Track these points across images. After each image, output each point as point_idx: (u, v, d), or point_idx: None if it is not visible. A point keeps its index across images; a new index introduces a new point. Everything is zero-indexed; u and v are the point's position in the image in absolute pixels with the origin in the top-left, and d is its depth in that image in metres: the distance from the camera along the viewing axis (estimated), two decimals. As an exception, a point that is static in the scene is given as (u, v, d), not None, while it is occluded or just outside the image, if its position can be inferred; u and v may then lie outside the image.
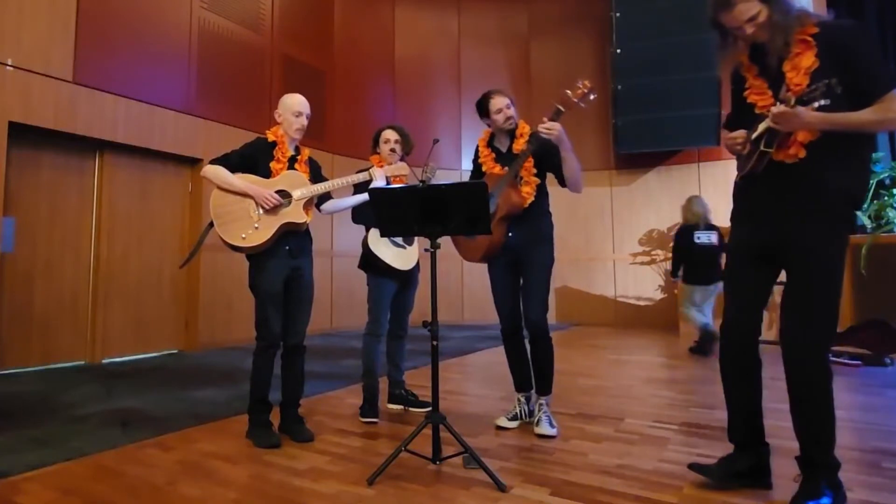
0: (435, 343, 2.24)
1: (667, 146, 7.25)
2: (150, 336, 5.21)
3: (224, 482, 2.11)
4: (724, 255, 4.95)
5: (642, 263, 7.64)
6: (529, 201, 2.72)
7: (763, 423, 2.00)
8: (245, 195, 2.57)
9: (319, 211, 2.83)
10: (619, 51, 7.22)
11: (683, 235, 5.28)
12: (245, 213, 2.57)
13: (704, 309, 5.15)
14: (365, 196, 2.81)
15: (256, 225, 2.56)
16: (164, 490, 2.04)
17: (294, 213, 2.61)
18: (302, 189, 2.65)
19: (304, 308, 2.70)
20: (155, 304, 5.27)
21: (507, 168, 2.74)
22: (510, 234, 2.73)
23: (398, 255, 2.99)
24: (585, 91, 2.57)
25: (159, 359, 5.04)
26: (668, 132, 7.02)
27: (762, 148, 1.81)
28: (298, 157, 2.76)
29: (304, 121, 2.72)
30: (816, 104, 1.64)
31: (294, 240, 2.65)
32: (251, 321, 2.65)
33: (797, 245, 1.81)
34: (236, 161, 2.65)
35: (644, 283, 7.60)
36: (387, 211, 2.30)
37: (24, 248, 4.41)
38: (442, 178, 2.66)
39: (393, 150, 3.09)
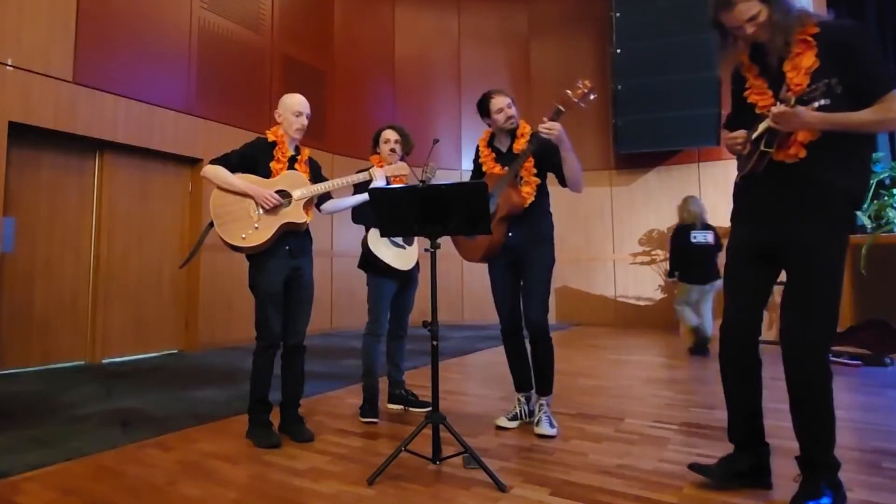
0: (435, 343, 2.24)
1: (667, 146, 7.25)
2: (150, 336, 5.21)
3: (224, 482, 2.11)
4: (720, 255, 5.01)
5: (642, 263, 7.64)
6: (530, 201, 2.72)
7: (763, 423, 2.00)
8: (245, 195, 2.57)
9: (319, 211, 2.83)
10: (619, 51, 7.22)
11: (680, 235, 5.31)
12: (245, 213, 2.57)
13: (703, 308, 5.16)
14: (364, 196, 2.81)
15: (256, 225, 2.56)
16: (164, 490, 2.04)
17: (294, 213, 2.61)
18: (302, 189, 2.65)
19: (304, 308, 2.70)
20: (155, 304, 5.27)
21: (507, 168, 2.74)
22: (510, 234, 2.73)
23: (398, 255, 2.99)
24: (586, 91, 2.57)
25: (159, 359, 5.04)
26: (668, 132, 7.02)
27: (762, 148, 1.81)
28: (298, 157, 2.76)
29: (304, 121, 2.72)
30: (816, 104, 1.64)
31: (294, 240, 2.65)
32: (251, 321, 2.65)
33: (797, 245, 1.81)
34: (236, 161, 2.65)
35: (644, 283, 7.60)
36: (387, 211, 2.30)
37: (24, 248, 4.41)
38: (442, 178, 2.66)
39: (393, 150, 3.09)
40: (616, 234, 7.87)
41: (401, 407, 3.13)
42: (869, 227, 5.51)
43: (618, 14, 7.23)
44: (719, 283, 5.03)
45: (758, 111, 1.89)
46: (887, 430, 2.72)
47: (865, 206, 5.48)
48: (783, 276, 1.90)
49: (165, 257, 5.37)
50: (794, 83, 1.77)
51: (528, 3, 8.50)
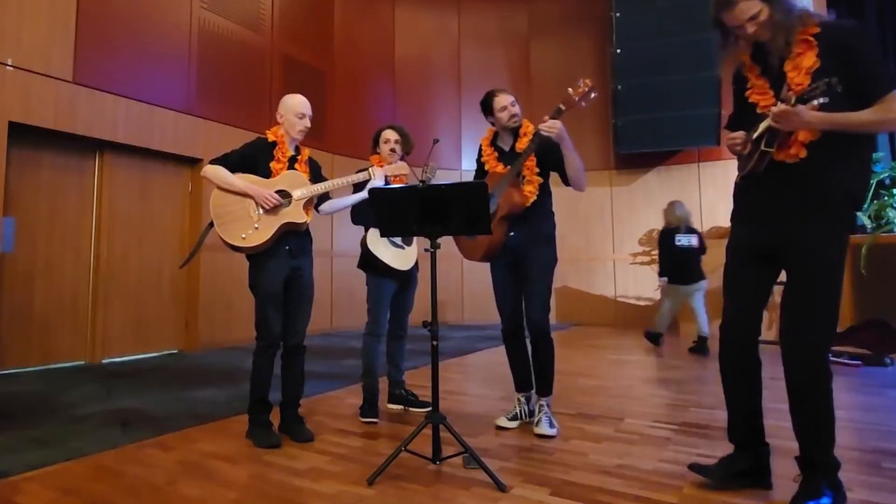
0: (435, 343, 2.24)
1: (667, 146, 7.25)
2: (150, 336, 5.21)
3: (224, 482, 2.11)
4: (703, 257, 5.26)
5: (642, 263, 7.64)
6: (532, 200, 2.72)
7: (763, 423, 2.00)
8: (245, 195, 2.57)
9: (318, 212, 2.82)
10: (619, 51, 7.22)
11: (665, 238, 5.51)
12: (245, 213, 2.57)
13: (694, 306, 5.27)
14: (361, 195, 2.82)
15: (256, 225, 2.55)
16: (164, 490, 2.04)
17: (294, 213, 2.61)
18: (302, 189, 2.65)
19: (304, 308, 2.69)
20: (155, 304, 5.27)
21: (510, 167, 2.73)
22: (512, 234, 2.72)
23: (397, 255, 2.99)
24: (587, 89, 2.57)
25: (159, 359, 5.04)
26: (668, 132, 7.02)
27: (763, 148, 1.81)
28: (298, 157, 2.76)
29: (307, 122, 2.72)
30: (816, 102, 1.64)
31: (294, 240, 2.65)
32: (251, 321, 2.65)
33: (797, 245, 1.81)
34: (236, 161, 2.64)
35: (644, 283, 7.60)
36: (387, 211, 2.30)
37: (24, 248, 4.41)
38: (442, 178, 2.65)
39: (393, 150, 3.09)
40: (616, 234, 7.87)
41: (401, 407, 3.13)
42: (869, 227, 5.51)
43: (618, 14, 7.23)
44: (704, 283, 5.19)
45: (759, 111, 1.89)
46: (887, 430, 2.72)
47: (865, 206, 5.49)
48: (783, 276, 1.90)
49: (165, 257, 5.37)
50: (795, 83, 1.77)
51: (528, 3, 8.50)
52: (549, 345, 2.72)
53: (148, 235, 5.27)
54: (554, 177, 2.79)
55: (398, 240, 3.00)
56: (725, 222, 6.29)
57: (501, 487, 1.99)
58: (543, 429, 2.64)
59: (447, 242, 2.41)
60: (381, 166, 2.91)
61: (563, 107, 2.58)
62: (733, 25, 1.87)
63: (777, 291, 1.91)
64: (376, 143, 3.17)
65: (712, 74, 6.43)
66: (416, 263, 3.11)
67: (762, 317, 2.00)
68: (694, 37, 6.49)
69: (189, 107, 5.46)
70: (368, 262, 3.00)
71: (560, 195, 3.00)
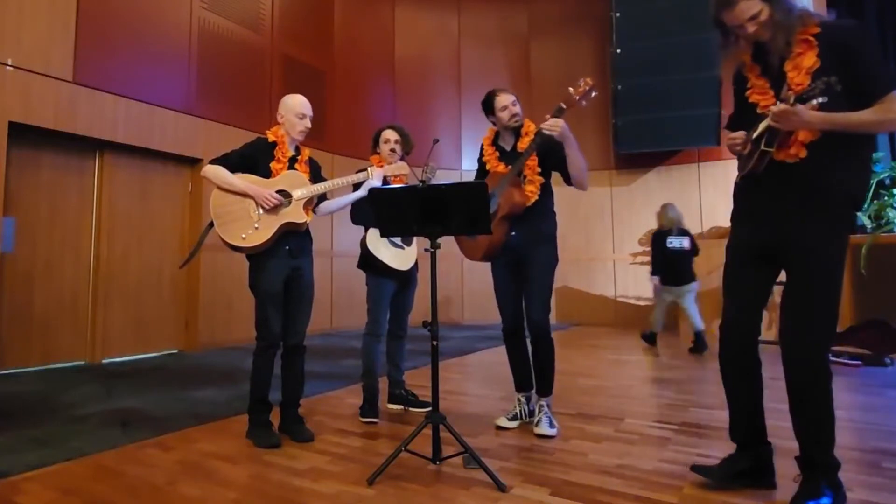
0: (435, 343, 2.24)
1: (667, 146, 7.25)
2: (150, 336, 5.21)
3: (224, 482, 2.11)
4: (695, 259, 5.33)
5: (642, 263, 7.63)
6: (533, 200, 2.71)
7: (764, 422, 2.00)
8: (245, 195, 2.57)
9: (315, 213, 2.81)
10: (619, 51, 7.22)
11: (657, 240, 5.57)
12: (245, 213, 2.57)
13: (686, 306, 5.31)
14: (357, 194, 2.82)
15: (256, 225, 2.55)
16: (164, 490, 2.04)
17: (294, 213, 2.61)
18: (302, 189, 2.65)
19: (304, 308, 2.69)
20: (155, 304, 5.27)
21: (511, 166, 2.73)
22: (513, 234, 2.72)
23: (396, 255, 2.99)
24: (587, 88, 2.57)
25: (159, 359, 5.04)
26: (668, 132, 7.02)
27: (763, 147, 1.81)
28: (299, 157, 2.76)
29: (308, 123, 2.72)
30: (815, 102, 1.64)
31: (294, 240, 2.65)
32: (251, 321, 2.65)
33: (797, 245, 1.81)
34: (236, 161, 2.64)
35: (644, 283, 7.58)
36: (387, 211, 2.30)
37: (24, 248, 4.41)
38: (442, 178, 2.66)
39: (393, 150, 3.09)
40: (616, 234, 7.87)
41: (401, 407, 3.13)
42: (869, 227, 5.51)
43: (618, 14, 7.23)
44: (695, 284, 5.22)
45: (759, 111, 1.89)
46: (887, 430, 2.72)
47: (865, 206, 5.49)
48: (783, 276, 1.90)
49: (165, 257, 5.36)
50: (795, 83, 1.78)
51: (528, 3, 8.50)
52: (549, 345, 2.72)
53: (148, 235, 5.27)
54: (555, 176, 2.79)
55: (398, 240, 3.00)
56: (725, 222, 6.28)
57: (501, 487, 1.99)
58: (543, 429, 2.64)
59: (447, 242, 2.41)
60: (381, 166, 2.92)
61: (564, 106, 2.58)
62: (733, 25, 1.87)
63: (777, 291, 1.91)
64: (376, 143, 3.17)
65: (712, 74, 6.43)
66: (416, 263, 3.11)
67: (762, 317, 2.00)
68: (694, 37, 6.49)
69: (189, 107, 5.46)
70: (368, 262, 3.00)
71: (560, 195, 2.99)
